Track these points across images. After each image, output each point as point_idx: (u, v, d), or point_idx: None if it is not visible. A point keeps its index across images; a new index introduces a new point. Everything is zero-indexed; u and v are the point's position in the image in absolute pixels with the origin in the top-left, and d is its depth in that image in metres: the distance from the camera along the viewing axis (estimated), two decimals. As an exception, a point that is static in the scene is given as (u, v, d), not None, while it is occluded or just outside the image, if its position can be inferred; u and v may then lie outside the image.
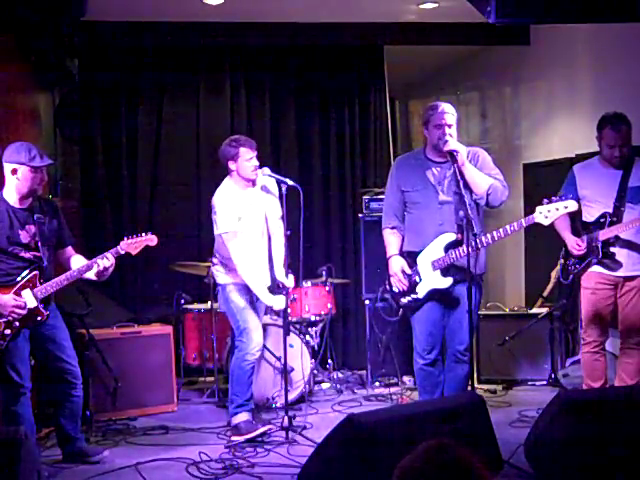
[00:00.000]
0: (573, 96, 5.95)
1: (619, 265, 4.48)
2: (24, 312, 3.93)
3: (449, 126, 4.28)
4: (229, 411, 4.74)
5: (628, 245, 4.47)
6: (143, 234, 4.15)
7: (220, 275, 4.78)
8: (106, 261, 4.03)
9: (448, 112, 4.30)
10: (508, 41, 6.41)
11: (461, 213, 4.06)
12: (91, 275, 4.08)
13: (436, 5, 5.72)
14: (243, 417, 4.64)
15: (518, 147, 6.80)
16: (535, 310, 5.81)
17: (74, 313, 4.87)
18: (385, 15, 5.99)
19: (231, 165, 4.65)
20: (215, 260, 4.82)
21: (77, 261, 4.20)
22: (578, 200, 4.61)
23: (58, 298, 4.19)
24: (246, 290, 4.69)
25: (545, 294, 5.67)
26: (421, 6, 5.75)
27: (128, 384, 5.10)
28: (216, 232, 4.70)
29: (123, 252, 4.10)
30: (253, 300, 4.72)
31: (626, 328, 4.54)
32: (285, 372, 4.73)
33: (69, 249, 4.28)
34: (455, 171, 4.20)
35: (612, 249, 4.47)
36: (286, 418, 4.58)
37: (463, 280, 4.17)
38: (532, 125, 6.59)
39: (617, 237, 4.46)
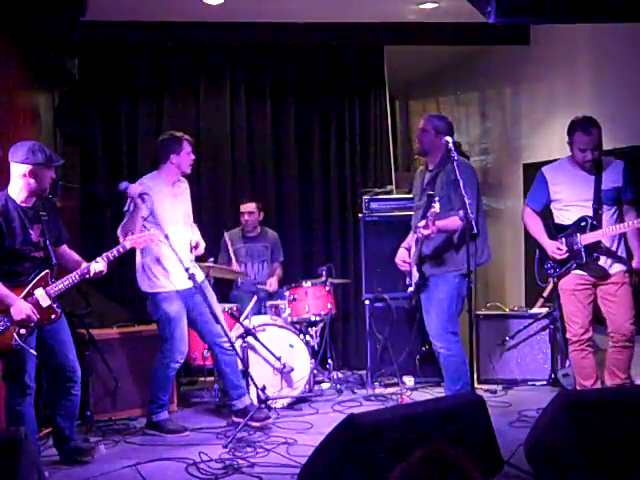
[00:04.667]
0: (573, 96, 5.94)
1: (601, 269, 4.56)
2: (32, 324, 3.92)
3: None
4: (148, 409, 4.88)
5: (606, 248, 4.55)
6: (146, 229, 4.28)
7: (145, 283, 4.84)
8: (100, 265, 4.11)
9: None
10: (508, 41, 6.41)
11: (461, 213, 4.20)
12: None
13: (436, 5, 5.72)
14: (164, 416, 4.85)
15: (518, 147, 6.80)
16: (535, 310, 5.82)
17: (74, 313, 4.88)
18: (385, 15, 5.98)
19: (173, 158, 4.81)
20: (138, 267, 4.86)
21: (74, 258, 4.23)
22: (549, 203, 4.70)
23: (58, 297, 4.19)
24: (175, 298, 4.76)
25: (545, 294, 5.69)
26: (421, 6, 5.75)
27: (128, 384, 5.11)
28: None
29: (129, 247, 4.26)
30: (181, 309, 4.79)
31: (615, 327, 4.58)
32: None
33: (64, 247, 4.29)
34: (455, 170, 4.30)
35: (596, 254, 4.53)
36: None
37: (433, 275, 4.79)
38: (532, 125, 6.58)
39: (599, 241, 4.53)
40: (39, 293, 3.97)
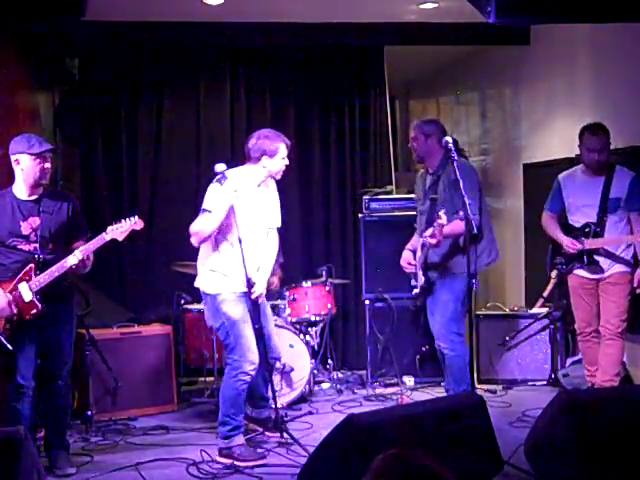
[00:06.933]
0: (573, 96, 5.94)
1: (601, 270, 4.80)
2: (14, 319, 3.91)
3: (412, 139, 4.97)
4: (219, 433, 4.33)
5: (607, 251, 4.79)
6: (128, 219, 4.07)
7: (208, 284, 4.36)
8: (74, 259, 3.96)
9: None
10: (508, 41, 6.40)
11: (461, 213, 4.21)
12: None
13: (436, 5, 5.71)
14: (239, 440, 4.28)
15: (518, 147, 6.79)
16: (535, 310, 5.83)
17: (74, 313, 4.87)
18: (385, 15, 5.98)
19: (265, 160, 4.39)
20: (200, 266, 4.42)
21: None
22: (564, 208, 4.96)
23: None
24: (238, 301, 4.31)
25: (545, 294, 5.68)
26: (421, 6, 5.74)
27: (128, 384, 5.10)
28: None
29: (109, 238, 4.04)
30: (245, 313, 4.31)
31: (603, 320, 4.83)
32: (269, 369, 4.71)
33: (80, 243, 4.13)
34: (455, 170, 4.28)
35: (596, 257, 4.78)
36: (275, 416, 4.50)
37: (439, 277, 4.80)
38: (532, 125, 6.58)
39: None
40: (23, 287, 3.97)
